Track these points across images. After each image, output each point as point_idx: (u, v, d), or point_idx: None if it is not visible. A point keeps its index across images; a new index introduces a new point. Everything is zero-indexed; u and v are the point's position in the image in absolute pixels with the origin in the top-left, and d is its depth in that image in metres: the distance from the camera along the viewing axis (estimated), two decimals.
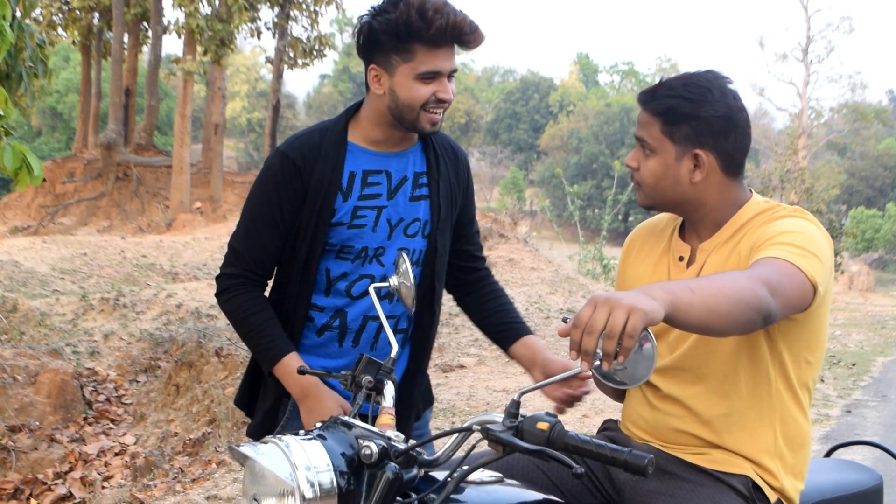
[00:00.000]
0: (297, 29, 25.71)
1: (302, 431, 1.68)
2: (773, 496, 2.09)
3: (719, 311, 1.71)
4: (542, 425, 1.54)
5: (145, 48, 26.84)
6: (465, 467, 1.62)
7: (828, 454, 2.79)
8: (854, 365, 10.49)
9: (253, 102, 65.49)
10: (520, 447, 1.52)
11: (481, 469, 1.73)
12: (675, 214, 2.25)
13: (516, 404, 1.59)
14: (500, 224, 16.42)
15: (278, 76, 25.45)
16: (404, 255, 2.16)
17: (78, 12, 26.45)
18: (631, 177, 2.22)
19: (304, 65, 25.67)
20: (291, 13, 24.79)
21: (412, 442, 1.66)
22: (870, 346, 12.60)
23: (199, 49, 22.14)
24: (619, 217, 47.32)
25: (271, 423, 2.52)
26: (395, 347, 1.99)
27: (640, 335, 1.55)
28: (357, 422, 1.72)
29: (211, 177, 23.95)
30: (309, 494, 1.56)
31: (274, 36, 25.09)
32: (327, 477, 1.58)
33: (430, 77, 2.33)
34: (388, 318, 2.43)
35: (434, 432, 2.68)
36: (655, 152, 2.13)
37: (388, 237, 2.46)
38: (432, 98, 2.34)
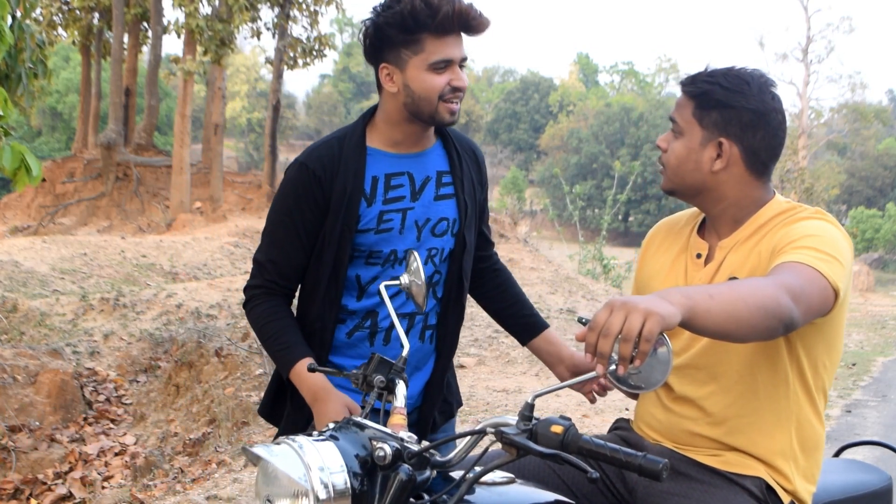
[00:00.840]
0: (297, 29, 25.68)
1: (315, 433, 1.67)
2: (786, 499, 2.08)
3: (738, 318, 1.70)
4: (557, 429, 1.53)
5: (145, 48, 26.81)
6: (478, 469, 1.61)
7: (836, 454, 2.78)
8: (854, 365, 10.49)
9: (253, 102, 65.47)
10: (534, 450, 1.51)
11: (493, 470, 1.72)
12: (695, 206, 2.24)
13: (530, 407, 1.58)
14: (500, 224, 16.41)
15: (278, 76, 25.43)
16: (415, 254, 2.16)
17: (78, 12, 26.42)
18: (658, 159, 2.21)
19: (305, 65, 25.62)
20: (291, 13, 24.76)
21: (425, 443, 1.65)
22: (870, 346, 12.60)
23: (199, 49, 22.10)
24: (619, 217, 47.37)
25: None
26: (406, 346, 1.98)
27: (657, 340, 1.54)
28: (370, 423, 1.71)
29: (211, 177, 23.93)
30: (322, 495, 1.55)
31: (274, 36, 25.05)
32: (341, 478, 1.58)
33: (443, 66, 2.33)
34: (417, 314, 2.47)
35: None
36: (683, 134, 2.13)
37: (416, 239, 2.46)
38: (447, 87, 2.34)
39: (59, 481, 6.77)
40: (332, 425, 1.71)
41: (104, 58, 27.66)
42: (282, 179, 2.51)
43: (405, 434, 1.69)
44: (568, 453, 1.51)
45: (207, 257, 15.35)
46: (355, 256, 2.44)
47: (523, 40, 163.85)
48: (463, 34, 2.37)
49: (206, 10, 22.29)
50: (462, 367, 8.46)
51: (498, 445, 1.61)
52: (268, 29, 25.18)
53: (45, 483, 6.75)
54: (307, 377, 2.37)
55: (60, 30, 27.04)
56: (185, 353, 8.43)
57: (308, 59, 25.51)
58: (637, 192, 42.89)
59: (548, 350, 2.66)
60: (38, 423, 7.48)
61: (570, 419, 1.55)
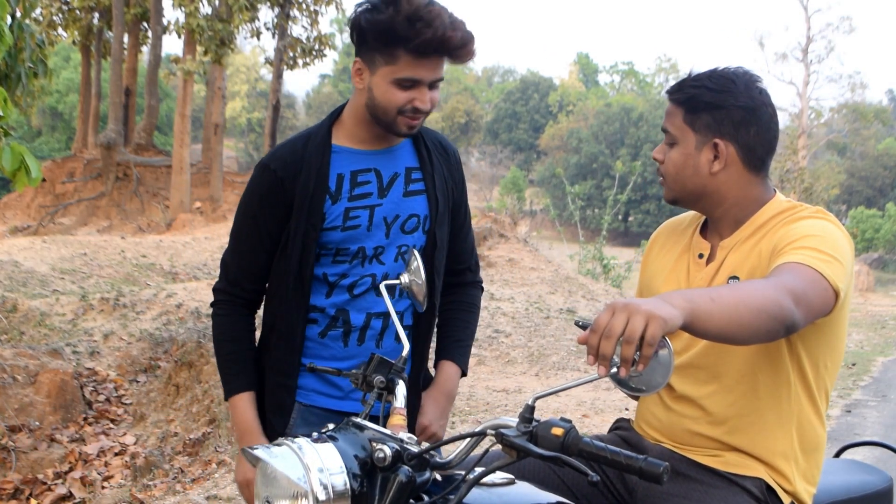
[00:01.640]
0: (297, 29, 25.75)
1: (314, 434, 1.67)
2: (786, 499, 2.07)
3: (740, 322, 1.70)
4: (557, 431, 1.53)
5: (145, 48, 26.85)
6: (478, 470, 1.61)
7: (837, 454, 2.77)
8: (854, 365, 10.50)
9: (253, 102, 65.51)
10: (535, 453, 1.51)
11: (493, 471, 1.72)
12: (698, 211, 2.24)
13: (531, 409, 1.58)
14: (500, 224, 16.40)
15: (278, 76, 25.44)
16: (416, 253, 2.14)
17: (78, 12, 26.44)
18: (657, 171, 2.21)
19: (304, 65, 25.66)
20: (291, 13, 24.78)
21: (425, 445, 1.64)
22: (870, 346, 12.61)
23: (199, 49, 22.12)
24: (619, 217, 47.36)
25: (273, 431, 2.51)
26: (407, 346, 1.97)
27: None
28: (369, 424, 1.70)
29: (211, 177, 23.94)
30: (322, 497, 1.55)
31: (274, 36, 25.08)
32: (340, 479, 1.57)
33: (409, 84, 2.27)
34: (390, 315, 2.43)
35: None
36: (678, 142, 2.13)
37: (385, 236, 2.43)
38: (409, 106, 2.29)
39: (59, 481, 6.77)
40: (331, 426, 1.71)
41: (104, 57, 27.69)
42: (248, 181, 2.50)
43: (405, 435, 1.68)
44: (568, 456, 1.50)
45: (207, 257, 15.34)
46: (322, 255, 2.41)
47: (523, 40, 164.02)
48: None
49: (206, 9, 22.31)
50: None
51: (498, 446, 1.61)
52: (268, 29, 25.22)
53: (45, 483, 6.74)
54: (240, 414, 2.43)
55: (60, 30, 27.08)
56: (185, 352, 8.42)
57: (308, 59, 25.55)
58: (637, 192, 42.89)
59: (436, 375, 2.58)
60: (37, 423, 7.47)
61: (570, 421, 1.55)
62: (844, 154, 57.40)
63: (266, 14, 24.89)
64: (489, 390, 7.67)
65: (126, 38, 25.55)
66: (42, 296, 11.17)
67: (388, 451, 1.60)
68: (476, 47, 2.30)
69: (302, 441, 1.61)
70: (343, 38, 67.27)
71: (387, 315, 2.44)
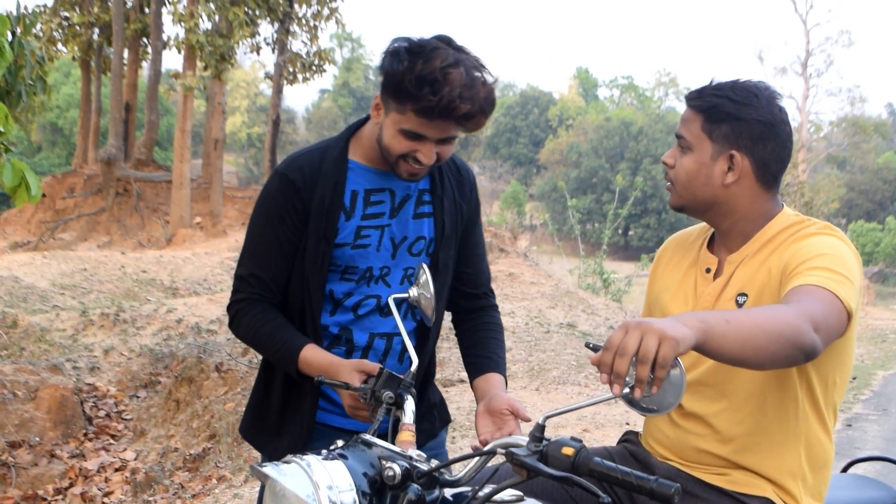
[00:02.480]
0: (297, 44, 25.79)
1: (324, 451, 1.66)
2: None
3: (755, 345, 1.68)
4: (568, 450, 1.52)
5: (145, 63, 26.87)
6: (487, 489, 1.60)
7: (844, 469, 2.76)
8: (854, 378, 10.47)
9: (253, 117, 65.58)
10: (545, 472, 1.50)
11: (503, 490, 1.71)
12: (705, 222, 2.23)
13: (541, 428, 1.57)
14: (500, 238, 16.40)
15: (278, 91, 25.51)
16: (424, 266, 2.12)
17: (78, 28, 26.50)
18: (665, 175, 2.19)
19: (304, 80, 25.72)
20: (291, 28, 24.85)
21: (435, 463, 1.63)
22: (870, 360, 12.58)
23: (200, 64, 22.15)
24: (619, 231, 47.39)
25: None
26: (416, 362, 1.96)
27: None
28: (378, 441, 1.69)
29: (211, 192, 23.95)
30: None
31: (273, 51, 25.16)
32: (349, 497, 1.57)
33: (414, 137, 2.21)
34: (395, 335, 2.40)
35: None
36: (692, 149, 2.11)
37: (391, 256, 2.40)
38: (410, 156, 2.25)
39: (60, 497, 6.75)
40: (340, 443, 1.70)
41: (104, 73, 27.74)
42: (260, 191, 2.44)
43: (414, 452, 1.67)
44: (579, 475, 1.49)
45: (207, 272, 15.34)
46: (331, 271, 2.37)
47: (523, 55, 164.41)
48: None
49: (206, 25, 22.36)
50: (462, 381, 8.44)
51: (508, 464, 1.60)
52: (267, 44, 25.30)
53: (45, 499, 6.72)
54: (313, 359, 2.28)
55: (60, 45, 27.13)
56: (185, 368, 8.40)
57: (308, 74, 25.62)
58: (637, 206, 42.91)
59: (481, 387, 2.42)
60: (38, 439, 7.45)
61: (581, 441, 1.54)
62: (844, 168, 57.49)
63: (266, 29, 25.08)
64: None
65: (126, 54, 25.60)
66: (42, 311, 11.16)
67: (398, 469, 1.59)
68: (487, 119, 2.23)
69: (311, 458, 1.60)
70: (342, 53, 67.49)
71: (390, 336, 2.41)
